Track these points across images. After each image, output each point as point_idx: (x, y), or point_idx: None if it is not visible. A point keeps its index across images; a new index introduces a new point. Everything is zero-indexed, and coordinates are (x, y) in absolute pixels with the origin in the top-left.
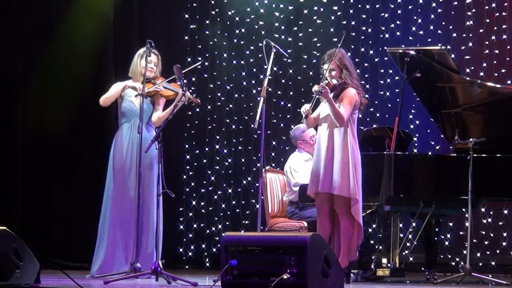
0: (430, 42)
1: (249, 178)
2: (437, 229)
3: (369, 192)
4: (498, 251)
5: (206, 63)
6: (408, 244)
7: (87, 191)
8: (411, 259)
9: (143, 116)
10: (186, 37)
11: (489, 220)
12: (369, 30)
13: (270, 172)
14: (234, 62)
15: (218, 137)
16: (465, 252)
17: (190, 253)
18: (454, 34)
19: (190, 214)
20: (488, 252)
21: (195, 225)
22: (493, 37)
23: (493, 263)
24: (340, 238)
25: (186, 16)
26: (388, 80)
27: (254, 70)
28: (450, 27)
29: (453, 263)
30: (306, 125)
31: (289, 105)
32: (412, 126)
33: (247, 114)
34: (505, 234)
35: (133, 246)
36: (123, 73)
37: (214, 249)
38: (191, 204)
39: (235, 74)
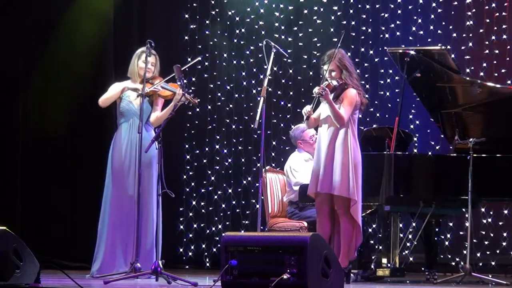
0: (430, 42)
1: (249, 178)
2: (437, 229)
3: (369, 192)
4: (498, 251)
5: (206, 63)
6: (408, 244)
7: (87, 191)
8: (411, 259)
9: (143, 116)
10: (186, 37)
11: (489, 220)
12: (369, 30)
13: (270, 172)
14: (234, 62)
15: (218, 137)
16: (465, 252)
17: (190, 253)
18: (454, 34)
19: (190, 214)
20: (488, 252)
21: (195, 225)
22: (493, 37)
23: (493, 263)
24: (340, 238)
25: (186, 16)
26: (388, 80)
27: (254, 70)
28: (450, 27)
29: (453, 263)
30: (307, 125)
31: (289, 105)
32: (412, 126)
33: (247, 114)
34: (505, 234)
35: (132, 246)
36: (123, 73)
37: (214, 249)
38: (191, 204)
39: (235, 74)
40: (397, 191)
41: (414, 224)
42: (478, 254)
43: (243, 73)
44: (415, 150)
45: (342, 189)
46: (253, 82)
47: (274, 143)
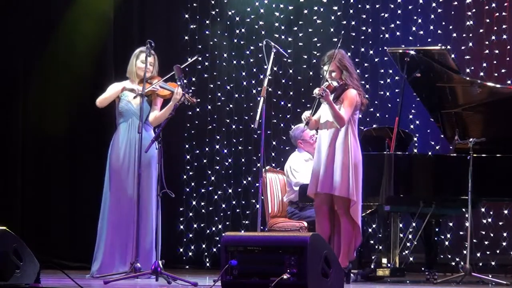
0: (430, 42)
1: (249, 178)
2: (437, 229)
3: (369, 192)
4: (498, 251)
5: (206, 63)
6: (408, 244)
7: (87, 191)
8: (411, 259)
9: (143, 116)
10: (186, 37)
11: (489, 220)
12: (369, 30)
13: (270, 172)
14: (234, 62)
15: (218, 137)
16: (465, 252)
17: (190, 253)
18: (454, 34)
19: (190, 214)
20: (488, 252)
21: (195, 225)
22: (493, 37)
23: (493, 263)
24: (340, 238)
25: (186, 16)
26: (388, 80)
27: (254, 70)
28: (450, 27)
29: (453, 263)
30: (308, 128)
31: (289, 105)
32: (412, 126)
33: (247, 114)
34: (505, 234)
35: (132, 246)
36: (123, 73)
37: (214, 249)
38: (191, 204)
39: (235, 74)
40: (397, 191)
41: (414, 224)
42: (478, 254)
43: (243, 73)
44: (415, 150)
45: (342, 190)
46: (253, 82)
47: (274, 143)
